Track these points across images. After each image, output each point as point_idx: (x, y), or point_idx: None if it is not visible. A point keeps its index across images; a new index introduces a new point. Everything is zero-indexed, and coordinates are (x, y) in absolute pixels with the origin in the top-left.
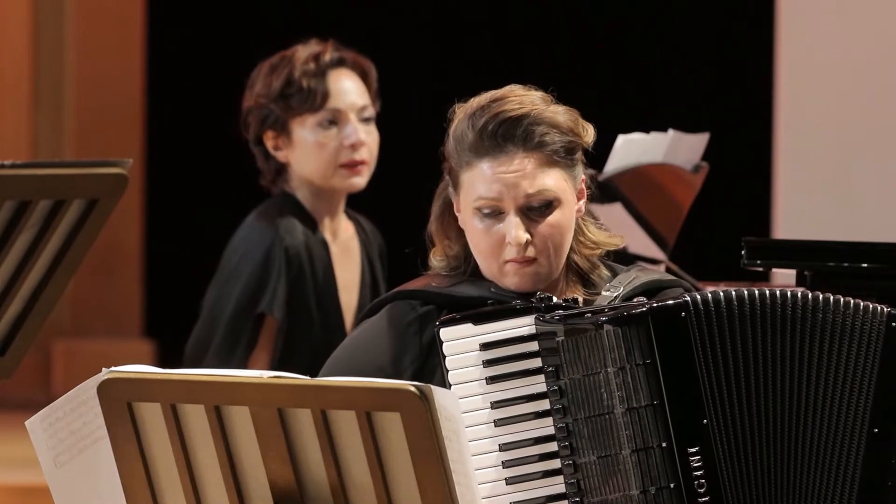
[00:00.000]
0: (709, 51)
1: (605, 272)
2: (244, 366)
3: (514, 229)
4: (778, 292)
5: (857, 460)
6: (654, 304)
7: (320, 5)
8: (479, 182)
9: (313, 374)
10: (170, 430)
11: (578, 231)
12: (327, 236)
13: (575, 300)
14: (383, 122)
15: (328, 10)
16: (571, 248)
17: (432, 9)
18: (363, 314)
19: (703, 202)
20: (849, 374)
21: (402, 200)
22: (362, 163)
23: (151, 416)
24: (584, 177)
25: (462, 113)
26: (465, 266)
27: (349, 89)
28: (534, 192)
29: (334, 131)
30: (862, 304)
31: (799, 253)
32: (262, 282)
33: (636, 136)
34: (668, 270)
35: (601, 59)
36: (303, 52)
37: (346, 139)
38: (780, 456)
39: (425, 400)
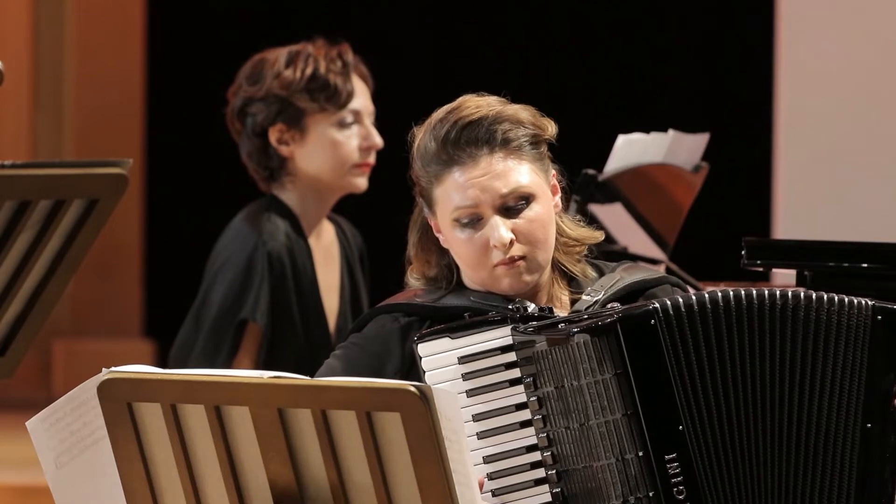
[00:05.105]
0: (709, 51)
1: (591, 272)
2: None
3: (497, 231)
4: (755, 292)
5: (853, 457)
6: (623, 314)
7: (320, 6)
8: (452, 192)
9: None
10: (170, 430)
11: (557, 230)
12: (311, 239)
13: (550, 309)
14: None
15: (328, 12)
16: (555, 248)
17: (430, 12)
18: (349, 330)
19: (703, 202)
20: (837, 372)
21: (393, 205)
22: (371, 165)
23: (151, 416)
24: (554, 171)
25: (421, 131)
26: (446, 282)
27: (363, 92)
28: (508, 192)
29: (354, 130)
30: (846, 298)
31: (799, 253)
32: (245, 288)
33: (636, 136)
34: (668, 270)
35: (601, 59)
36: (321, 48)
37: (365, 140)
38: (762, 457)
39: (425, 400)
